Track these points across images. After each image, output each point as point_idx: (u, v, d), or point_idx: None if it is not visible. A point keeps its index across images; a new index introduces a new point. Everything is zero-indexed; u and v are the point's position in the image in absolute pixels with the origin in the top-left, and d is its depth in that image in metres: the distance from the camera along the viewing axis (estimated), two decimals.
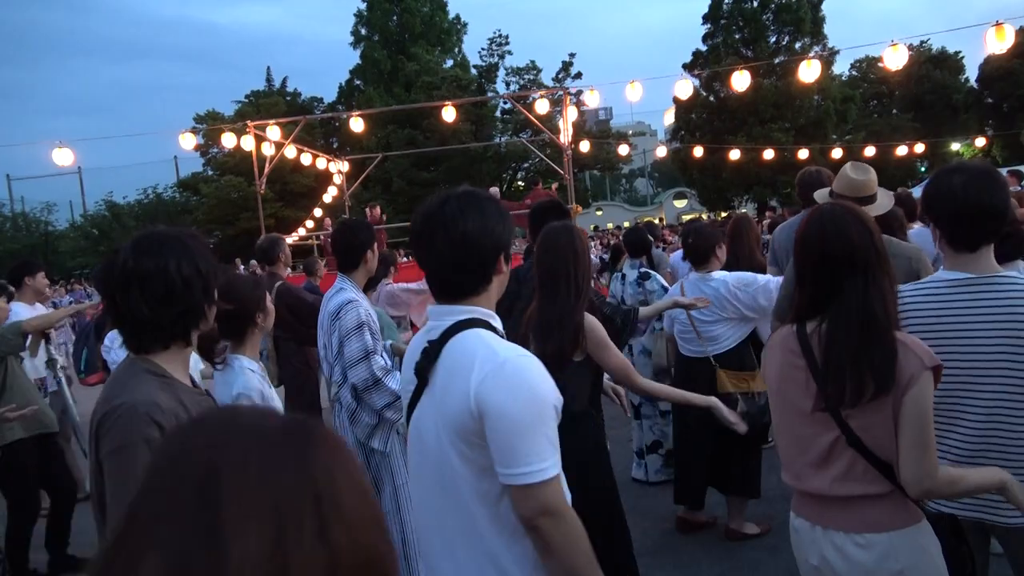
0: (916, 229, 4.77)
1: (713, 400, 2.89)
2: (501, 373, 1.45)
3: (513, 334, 1.96)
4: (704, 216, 26.96)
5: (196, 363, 5.84)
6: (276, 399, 2.71)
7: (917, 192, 5.00)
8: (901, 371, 1.71)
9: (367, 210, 12.73)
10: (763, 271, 4.34)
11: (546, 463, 1.44)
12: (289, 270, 6.36)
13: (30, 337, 4.60)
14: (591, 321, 2.76)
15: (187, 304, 1.65)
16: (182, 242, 1.67)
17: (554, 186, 13.00)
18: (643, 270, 5.01)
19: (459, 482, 1.52)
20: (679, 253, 6.26)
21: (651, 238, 5.64)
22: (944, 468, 1.75)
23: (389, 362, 3.44)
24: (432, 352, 1.57)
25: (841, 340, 1.77)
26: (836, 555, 1.81)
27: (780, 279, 3.63)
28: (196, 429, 0.66)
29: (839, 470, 1.80)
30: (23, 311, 4.88)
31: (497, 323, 1.63)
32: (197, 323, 1.71)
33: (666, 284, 4.96)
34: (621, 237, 5.43)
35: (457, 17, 40.19)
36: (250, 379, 2.51)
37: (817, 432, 1.83)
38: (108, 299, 1.66)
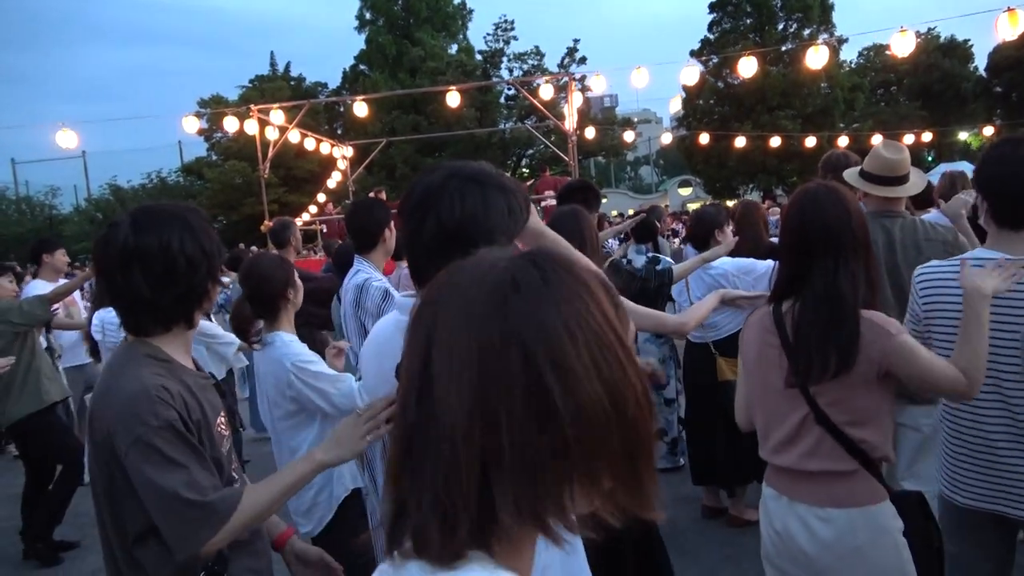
0: (932, 214, 4.74)
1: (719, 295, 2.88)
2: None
3: None
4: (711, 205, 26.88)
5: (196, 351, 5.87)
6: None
7: (934, 179, 4.94)
8: (871, 347, 1.77)
9: (372, 195, 12.68)
10: (772, 253, 4.30)
11: None
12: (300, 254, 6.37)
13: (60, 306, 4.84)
14: None
15: (190, 284, 1.57)
16: (184, 219, 1.58)
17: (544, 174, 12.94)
18: (651, 255, 4.99)
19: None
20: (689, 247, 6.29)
21: (657, 224, 5.62)
22: (949, 364, 1.79)
23: None
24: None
25: (809, 319, 1.84)
26: (799, 526, 1.88)
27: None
28: (428, 291, 0.74)
29: (807, 446, 1.87)
30: (44, 288, 4.97)
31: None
32: (200, 304, 1.62)
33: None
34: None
35: (462, 2, 39.91)
36: (296, 347, 2.58)
37: (788, 409, 1.90)
38: (105, 278, 1.57)
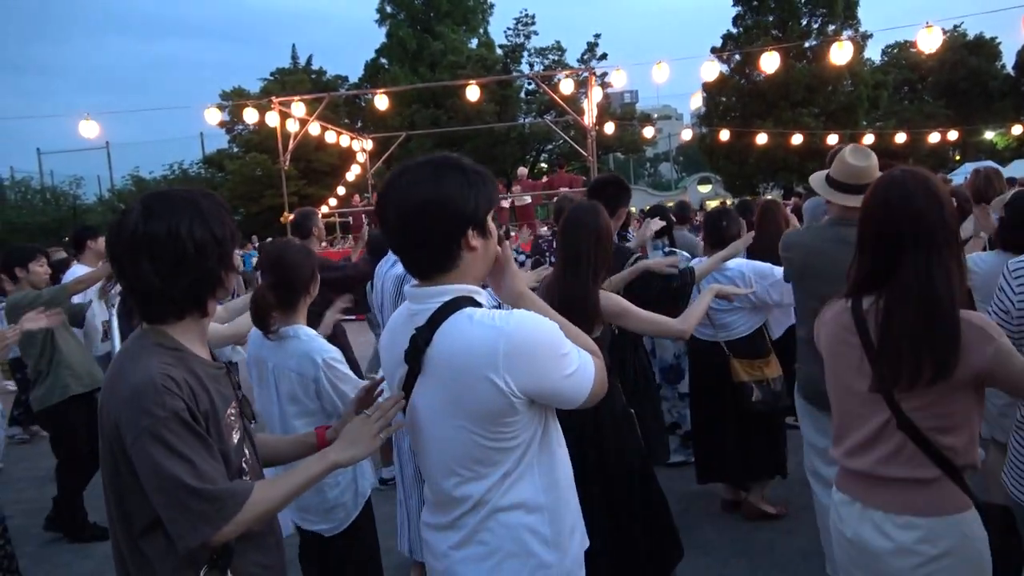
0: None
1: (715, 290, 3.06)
2: (517, 348, 1.42)
3: None
4: (728, 202, 26.63)
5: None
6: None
7: (959, 179, 4.89)
8: (973, 353, 1.64)
9: None
10: None
11: (574, 364, 1.51)
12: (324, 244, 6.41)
13: (92, 291, 5.05)
14: (604, 299, 2.76)
15: (200, 272, 1.53)
16: (195, 204, 1.54)
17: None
18: (668, 250, 4.99)
19: (469, 455, 1.52)
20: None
21: (674, 218, 5.59)
22: None
23: None
24: (422, 340, 1.48)
25: (899, 320, 1.69)
26: (874, 532, 1.78)
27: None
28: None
29: (886, 451, 1.76)
30: (84, 273, 5.04)
31: (482, 297, 1.54)
32: (213, 291, 1.58)
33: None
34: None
35: None
36: (323, 343, 2.58)
37: (867, 412, 1.78)
38: (116, 266, 1.54)
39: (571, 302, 2.65)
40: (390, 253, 3.60)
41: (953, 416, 1.70)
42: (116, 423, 1.47)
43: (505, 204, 14.63)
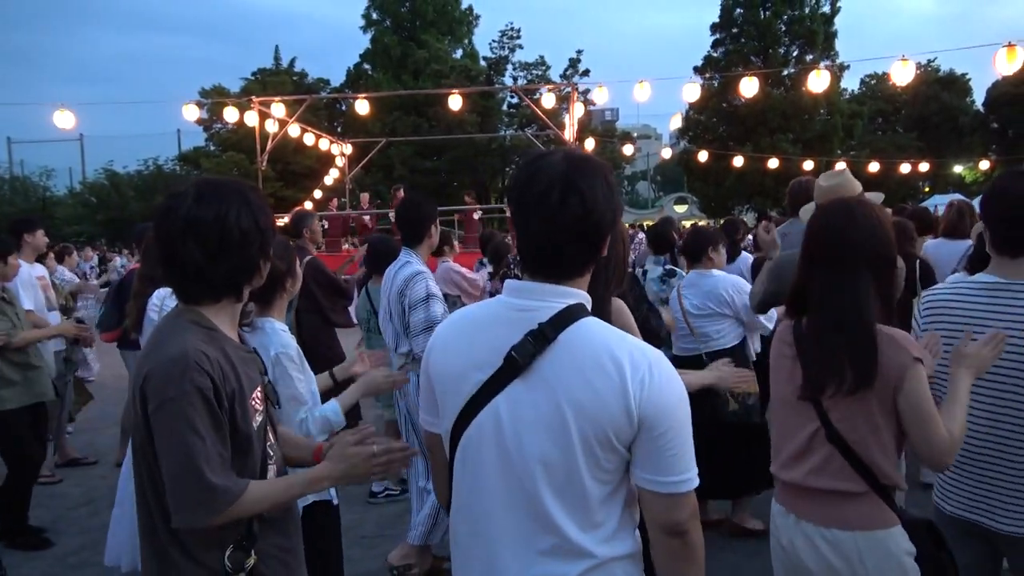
0: (931, 242, 4.80)
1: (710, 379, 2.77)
2: (660, 376, 1.31)
3: None
4: (703, 222, 26.96)
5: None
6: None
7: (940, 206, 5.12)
8: (888, 365, 1.72)
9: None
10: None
11: (695, 469, 1.36)
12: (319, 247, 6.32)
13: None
14: (618, 306, 2.61)
15: (242, 258, 1.61)
16: (243, 194, 1.63)
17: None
18: (668, 267, 5.05)
19: (573, 486, 1.33)
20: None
21: (676, 236, 5.67)
22: (944, 428, 1.74)
23: None
24: (543, 337, 1.33)
25: (822, 333, 1.81)
26: (805, 544, 1.85)
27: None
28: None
29: (815, 463, 1.83)
30: (22, 269, 4.86)
31: (590, 307, 1.44)
32: (250, 278, 1.67)
33: None
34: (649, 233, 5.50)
35: (470, 8, 40.05)
36: (284, 338, 2.52)
37: (799, 423, 1.87)
38: (163, 246, 1.60)
39: None
40: (403, 255, 3.63)
41: (878, 432, 1.76)
42: (143, 390, 1.53)
43: (476, 216, 14.79)
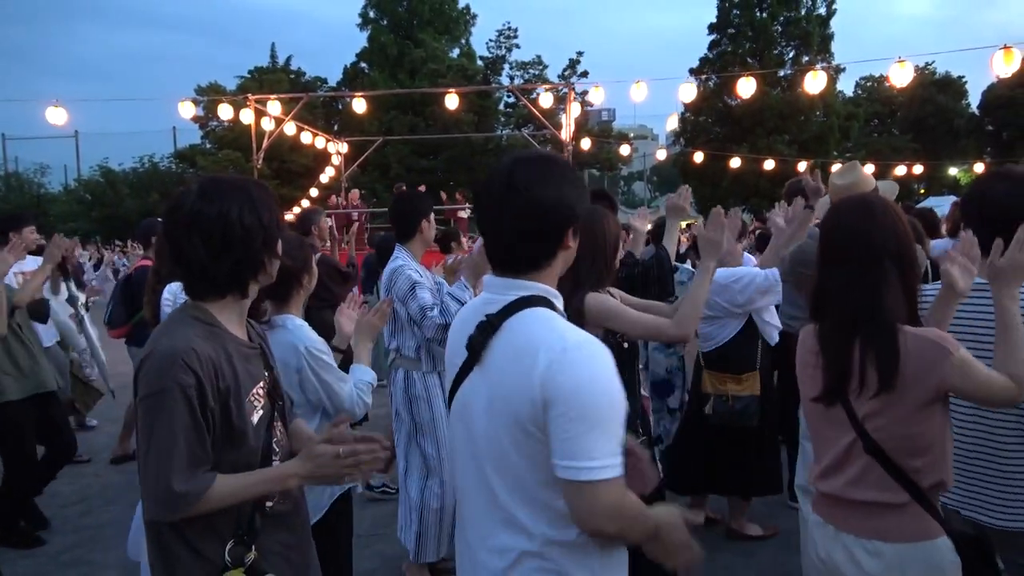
0: (937, 241, 4.81)
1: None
2: (571, 359, 1.32)
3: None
4: (700, 223, 26.93)
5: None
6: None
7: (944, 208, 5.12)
8: (920, 366, 1.66)
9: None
10: None
11: (610, 460, 1.30)
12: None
13: (45, 280, 4.67)
14: (590, 300, 2.58)
15: (245, 254, 1.62)
16: (247, 191, 1.65)
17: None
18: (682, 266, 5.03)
19: (510, 468, 1.41)
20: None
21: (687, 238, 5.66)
22: (1002, 381, 1.70)
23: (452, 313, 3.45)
24: (489, 328, 1.44)
25: (838, 333, 1.76)
26: (844, 556, 1.78)
27: (769, 272, 3.57)
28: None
29: (853, 474, 1.77)
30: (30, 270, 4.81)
31: (559, 302, 1.50)
32: (255, 275, 1.68)
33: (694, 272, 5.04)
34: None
35: (467, 7, 40.01)
36: (310, 333, 2.53)
37: (836, 434, 1.80)
38: (169, 241, 1.64)
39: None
40: (395, 251, 3.67)
41: (921, 437, 1.71)
42: (136, 381, 1.57)
43: (463, 215, 14.82)
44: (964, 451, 2.06)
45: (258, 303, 2.46)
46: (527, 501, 1.41)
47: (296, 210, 16.25)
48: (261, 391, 1.70)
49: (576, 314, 2.53)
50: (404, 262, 3.56)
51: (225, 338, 1.65)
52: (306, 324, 2.59)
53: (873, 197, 1.90)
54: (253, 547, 1.62)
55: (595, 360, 1.34)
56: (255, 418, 1.66)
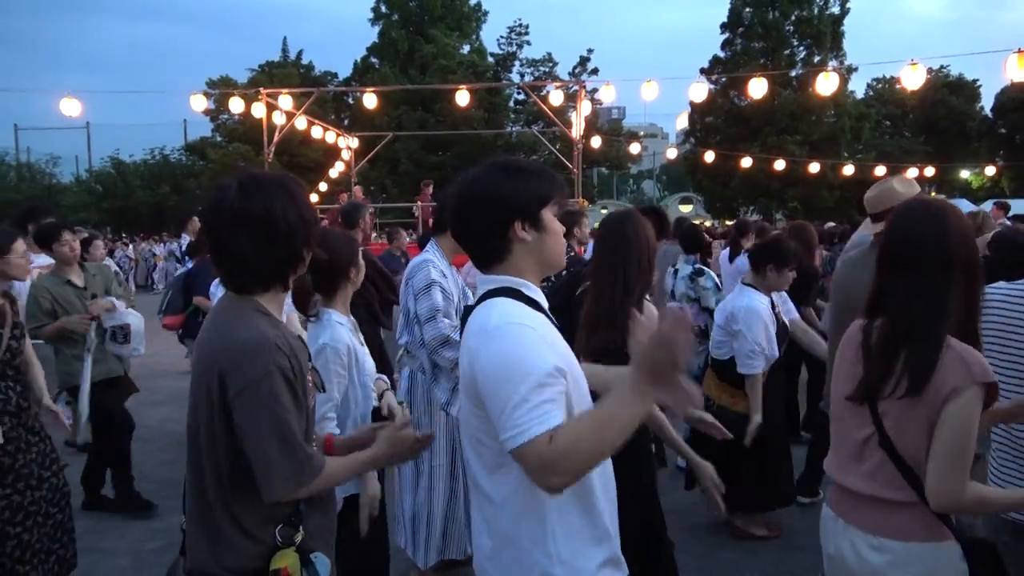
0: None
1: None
2: (488, 341, 1.45)
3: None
4: (708, 223, 26.82)
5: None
6: (366, 352, 2.74)
7: (988, 206, 5.09)
8: (943, 379, 1.65)
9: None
10: (816, 277, 4.32)
11: (523, 426, 1.36)
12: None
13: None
14: (650, 312, 2.62)
15: (289, 250, 1.67)
16: (287, 187, 1.69)
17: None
18: (697, 266, 5.06)
19: (481, 444, 1.55)
20: (726, 252, 6.33)
21: (708, 237, 5.72)
22: (974, 487, 1.67)
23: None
24: (463, 320, 1.61)
25: (885, 334, 1.78)
26: (850, 551, 1.81)
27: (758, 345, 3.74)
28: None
29: (867, 468, 1.79)
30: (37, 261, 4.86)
31: (531, 291, 1.56)
32: (296, 268, 1.73)
33: (719, 282, 5.13)
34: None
35: (478, 4, 39.98)
36: (338, 331, 2.56)
37: (855, 425, 1.82)
38: (213, 238, 1.67)
39: (599, 320, 2.58)
40: (428, 244, 3.66)
41: (929, 444, 1.70)
42: (220, 373, 1.58)
43: None
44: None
45: (308, 296, 2.53)
46: (490, 464, 1.55)
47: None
48: (310, 378, 1.79)
49: (622, 324, 2.49)
50: (430, 257, 3.48)
51: (283, 328, 1.71)
52: (344, 321, 2.62)
53: (946, 204, 1.89)
54: (300, 527, 1.69)
55: (508, 338, 1.44)
56: (310, 405, 1.76)
